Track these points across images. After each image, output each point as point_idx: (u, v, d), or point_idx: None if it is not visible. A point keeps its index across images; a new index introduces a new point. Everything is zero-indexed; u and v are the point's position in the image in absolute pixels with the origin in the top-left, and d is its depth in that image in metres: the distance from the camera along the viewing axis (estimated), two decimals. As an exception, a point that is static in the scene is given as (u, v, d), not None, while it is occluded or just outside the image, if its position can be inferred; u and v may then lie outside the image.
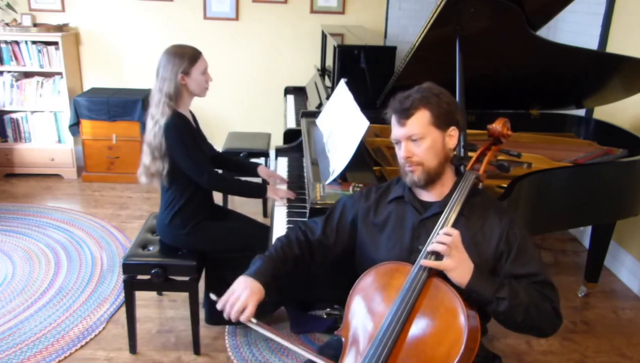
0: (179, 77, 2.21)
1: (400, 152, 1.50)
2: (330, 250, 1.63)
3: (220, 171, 2.55)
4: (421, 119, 1.47)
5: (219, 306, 1.40)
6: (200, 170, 2.25)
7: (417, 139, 1.47)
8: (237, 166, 2.75)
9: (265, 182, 2.54)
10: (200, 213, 2.36)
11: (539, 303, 1.38)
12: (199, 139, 2.35)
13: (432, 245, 1.37)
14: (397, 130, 1.51)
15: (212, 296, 1.42)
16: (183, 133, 2.22)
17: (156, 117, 2.21)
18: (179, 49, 2.24)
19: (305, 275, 1.65)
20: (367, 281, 1.46)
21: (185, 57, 2.21)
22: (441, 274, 1.38)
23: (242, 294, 1.39)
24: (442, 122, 1.48)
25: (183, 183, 2.30)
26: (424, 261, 1.37)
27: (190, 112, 2.39)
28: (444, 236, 1.36)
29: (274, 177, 2.56)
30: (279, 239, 1.63)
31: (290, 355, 2.43)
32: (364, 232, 1.60)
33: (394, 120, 1.51)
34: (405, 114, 1.47)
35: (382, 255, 1.52)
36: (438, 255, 1.36)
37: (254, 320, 1.37)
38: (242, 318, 1.37)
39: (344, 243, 1.63)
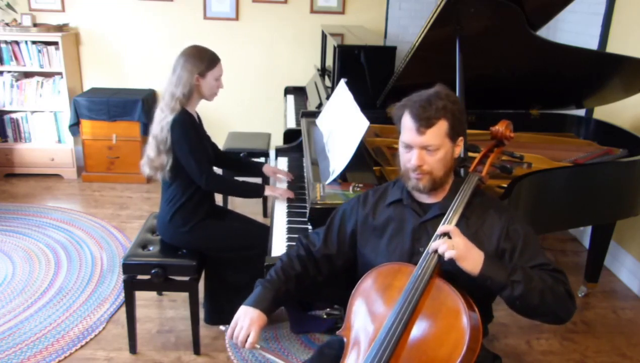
0: (194, 78, 2.23)
1: (412, 159, 1.45)
2: (334, 261, 1.63)
3: (220, 171, 2.56)
4: (440, 129, 1.43)
5: (227, 337, 1.48)
6: (200, 170, 2.26)
7: (432, 149, 1.43)
8: (242, 166, 2.76)
9: (266, 181, 2.55)
10: (201, 211, 2.36)
11: (553, 286, 1.36)
12: (204, 140, 2.38)
13: (435, 243, 1.37)
14: (413, 137, 1.44)
15: (222, 327, 1.52)
16: (189, 130, 2.24)
17: (165, 112, 2.25)
18: (199, 51, 2.28)
19: (313, 286, 1.66)
20: (370, 281, 1.46)
21: (205, 60, 2.25)
22: (444, 275, 1.38)
23: (244, 324, 1.45)
24: (455, 133, 1.46)
25: (185, 180, 2.31)
26: (433, 244, 1.37)
27: (196, 113, 2.40)
28: (443, 237, 1.37)
29: (279, 173, 2.58)
30: (280, 259, 1.62)
31: (291, 355, 2.43)
32: (365, 237, 1.59)
33: (410, 124, 1.44)
34: (426, 123, 1.41)
35: (383, 258, 1.52)
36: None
37: (257, 346, 1.45)
38: (247, 346, 1.43)
39: (345, 254, 1.62)
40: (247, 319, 1.45)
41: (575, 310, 1.42)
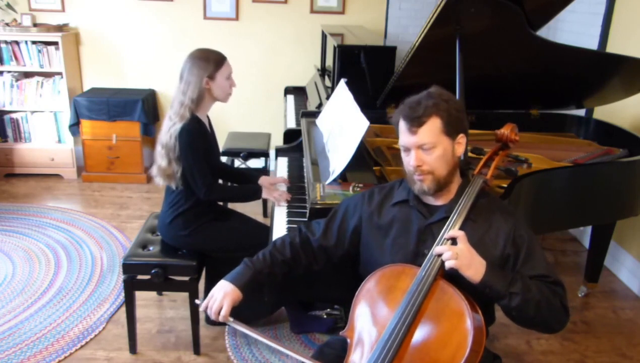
0: (203, 81, 2.20)
1: (410, 160, 1.46)
2: (331, 253, 1.63)
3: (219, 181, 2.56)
4: (433, 127, 1.43)
5: (201, 309, 1.52)
6: (200, 182, 2.25)
7: (428, 148, 1.44)
8: (239, 177, 2.72)
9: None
10: (202, 217, 2.36)
11: (550, 299, 1.38)
12: (213, 145, 2.37)
13: (439, 248, 1.38)
14: (407, 138, 1.46)
15: (197, 301, 1.55)
16: (195, 139, 2.21)
17: (174, 119, 2.22)
18: (204, 53, 2.24)
19: (306, 274, 1.66)
20: (374, 283, 1.46)
21: (211, 61, 2.22)
22: (447, 277, 1.38)
23: (218, 296, 1.48)
24: (452, 130, 1.46)
25: (191, 187, 2.29)
26: (438, 248, 1.38)
27: (207, 116, 2.39)
28: (448, 244, 1.38)
29: (276, 183, 2.55)
30: (273, 242, 1.66)
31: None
32: (369, 235, 1.59)
33: (403, 126, 1.47)
34: (416, 122, 1.43)
35: (387, 258, 1.52)
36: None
37: (231, 319, 1.48)
38: (220, 318, 1.47)
39: (343, 249, 1.63)
40: (221, 292, 1.49)
41: (568, 321, 1.44)
